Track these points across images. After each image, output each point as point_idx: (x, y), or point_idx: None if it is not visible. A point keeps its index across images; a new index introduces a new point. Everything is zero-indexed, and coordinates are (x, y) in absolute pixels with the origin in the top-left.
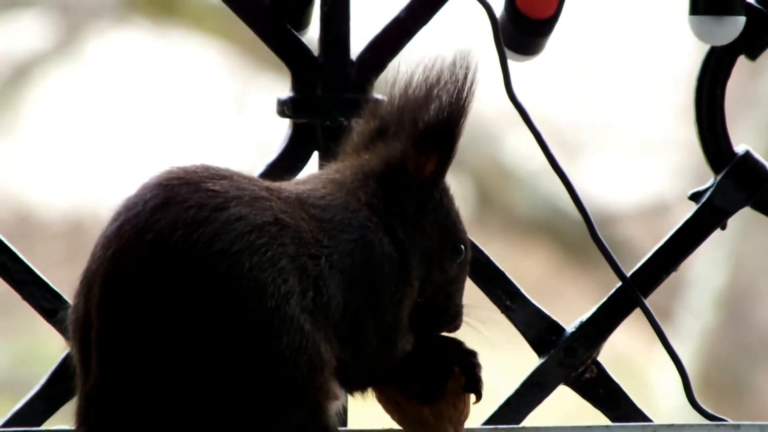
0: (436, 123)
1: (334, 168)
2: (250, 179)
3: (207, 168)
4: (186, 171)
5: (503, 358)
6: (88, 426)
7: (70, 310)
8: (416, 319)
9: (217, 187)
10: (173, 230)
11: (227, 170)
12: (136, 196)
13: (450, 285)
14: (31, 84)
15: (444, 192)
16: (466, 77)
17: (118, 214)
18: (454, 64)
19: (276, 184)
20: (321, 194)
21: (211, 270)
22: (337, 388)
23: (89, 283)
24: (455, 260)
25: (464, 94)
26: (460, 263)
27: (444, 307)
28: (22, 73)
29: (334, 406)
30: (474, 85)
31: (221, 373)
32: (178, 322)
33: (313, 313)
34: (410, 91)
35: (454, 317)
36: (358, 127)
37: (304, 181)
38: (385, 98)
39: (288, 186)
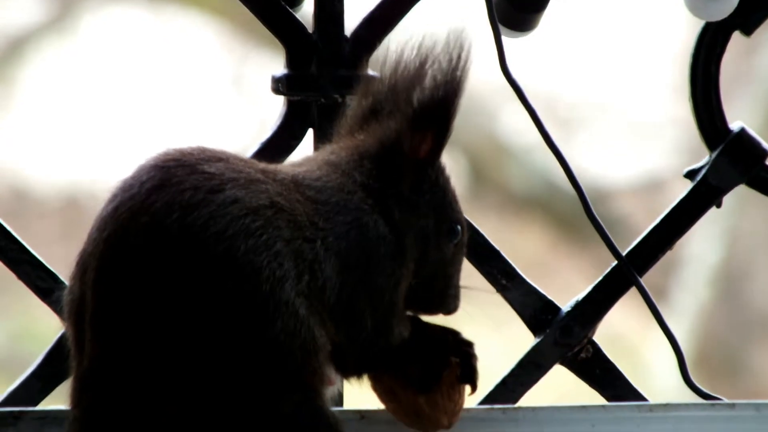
0: (431, 102)
1: (329, 149)
2: (245, 161)
3: (203, 150)
4: (182, 153)
5: (499, 337)
6: (82, 408)
7: (65, 292)
8: (415, 301)
9: (212, 170)
10: (169, 212)
11: (223, 152)
12: (133, 177)
13: (447, 266)
14: (26, 60)
15: (440, 171)
16: (460, 55)
17: (114, 196)
18: (448, 42)
19: (272, 167)
20: (316, 176)
21: (207, 253)
22: (332, 373)
23: (85, 265)
24: (451, 240)
25: (459, 73)
26: (456, 244)
27: (442, 288)
28: (16, 48)
29: (329, 391)
30: (468, 64)
31: (215, 357)
32: (173, 305)
33: (308, 297)
34: (404, 70)
35: (452, 298)
36: (352, 106)
37: (299, 163)
38: (379, 75)
39: (284, 168)
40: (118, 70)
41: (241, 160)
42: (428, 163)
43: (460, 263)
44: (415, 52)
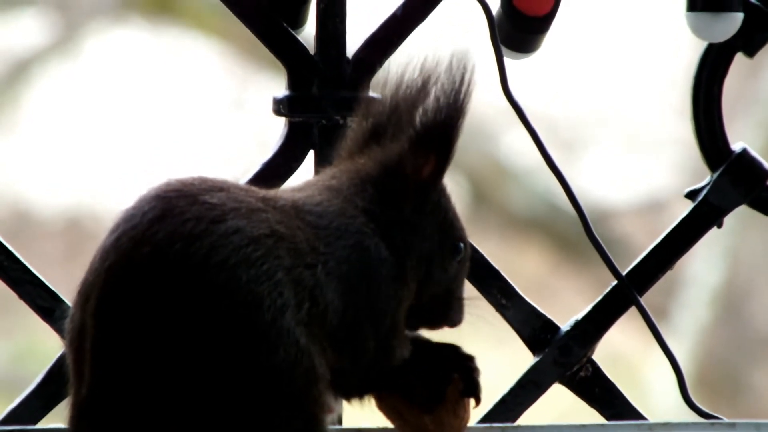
0: (433, 124)
1: (330, 174)
2: (246, 190)
3: (204, 180)
4: (183, 183)
5: (498, 356)
6: None
7: (67, 320)
8: (420, 318)
9: (214, 200)
10: (171, 243)
11: (224, 182)
12: (134, 208)
13: (451, 283)
14: (30, 81)
15: (441, 192)
16: (463, 78)
17: (117, 226)
18: (451, 64)
19: (272, 193)
20: (317, 201)
21: (209, 283)
22: (331, 401)
23: (86, 293)
24: (455, 258)
25: (462, 95)
26: (459, 261)
27: (446, 303)
28: (20, 70)
29: (329, 418)
30: (471, 86)
31: (216, 387)
32: (174, 335)
33: (309, 325)
34: (405, 91)
35: (456, 312)
36: (352, 129)
37: (300, 188)
38: (380, 97)
39: (284, 194)
40: (121, 92)
41: (242, 189)
42: (431, 184)
43: (463, 278)
44: (416, 73)
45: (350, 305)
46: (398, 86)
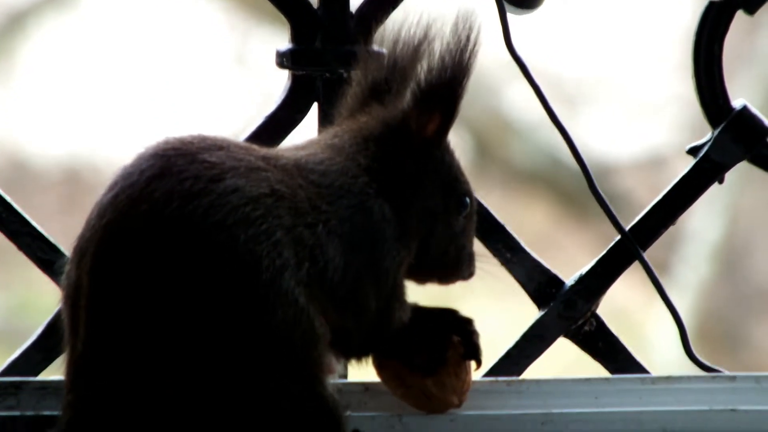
0: (438, 83)
1: (332, 132)
2: (246, 149)
3: (203, 138)
4: (182, 141)
5: (502, 310)
6: (76, 393)
7: (63, 276)
8: (432, 274)
9: (213, 159)
10: (168, 201)
11: (224, 140)
12: (132, 165)
13: (459, 237)
14: (27, 33)
15: (445, 149)
16: (469, 37)
17: (114, 183)
18: (457, 23)
19: (273, 152)
20: (319, 159)
21: (206, 242)
22: (332, 361)
23: (82, 250)
24: (461, 213)
25: (467, 54)
26: (466, 216)
27: (456, 258)
28: (17, 22)
29: (330, 378)
30: (477, 46)
31: (213, 347)
32: (170, 294)
33: (308, 285)
34: (404, 48)
35: (467, 266)
36: (352, 86)
37: (302, 147)
38: (378, 52)
39: (286, 153)
40: (119, 44)
41: (242, 147)
42: (435, 142)
43: (472, 231)
44: (414, 30)
45: (352, 264)
46: (396, 42)
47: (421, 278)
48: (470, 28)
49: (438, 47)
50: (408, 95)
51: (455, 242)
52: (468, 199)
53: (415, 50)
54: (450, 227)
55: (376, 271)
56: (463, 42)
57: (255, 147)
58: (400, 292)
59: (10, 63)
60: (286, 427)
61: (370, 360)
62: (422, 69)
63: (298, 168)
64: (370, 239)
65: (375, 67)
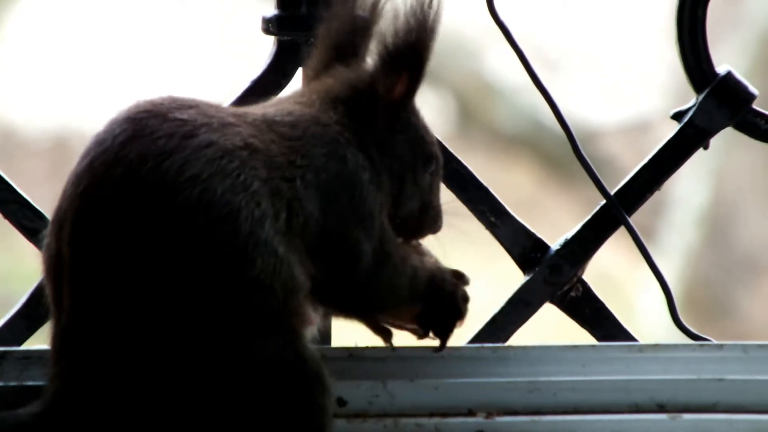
0: (405, 45)
1: (299, 92)
2: (216, 107)
3: (174, 99)
4: (153, 103)
5: (489, 275)
6: (63, 364)
7: (43, 249)
8: (401, 231)
9: (185, 116)
10: (143, 162)
11: (193, 100)
12: (105, 131)
13: (426, 194)
14: (15, 2)
15: (411, 110)
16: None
17: (88, 151)
18: None
19: (242, 110)
20: (288, 111)
21: (183, 197)
22: (311, 312)
23: (60, 220)
24: (427, 170)
25: (431, 16)
26: (432, 172)
27: (425, 213)
28: None
29: (310, 331)
30: (440, 7)
31: (195, 301)
32: (152, 253)
33: (287, 234)
34: (371, 9)
35: (434, 220)
36: (315, 48)
37: (269, 105)
38: (337, 13)
39: (254, 110)
40: (107, 12)
41: (212, 105)
42: (402, 104)
43: (438, 187)
44: None
45: (332, 213)
46: (352, 4)
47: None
48: None
49: (402, 9)
50: (374, 58)
51: (423, 198)
52: (434, 160)
53: (377, 10)
54: (417, 184)
55: (361, 214)
56: (426, 4)
57: (224, 106)
58: (390, 236)
59: None
60: (268, 376)
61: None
62: (387, 31)
63: (267, 123)
64: (348, 185)
65: (338, 27)
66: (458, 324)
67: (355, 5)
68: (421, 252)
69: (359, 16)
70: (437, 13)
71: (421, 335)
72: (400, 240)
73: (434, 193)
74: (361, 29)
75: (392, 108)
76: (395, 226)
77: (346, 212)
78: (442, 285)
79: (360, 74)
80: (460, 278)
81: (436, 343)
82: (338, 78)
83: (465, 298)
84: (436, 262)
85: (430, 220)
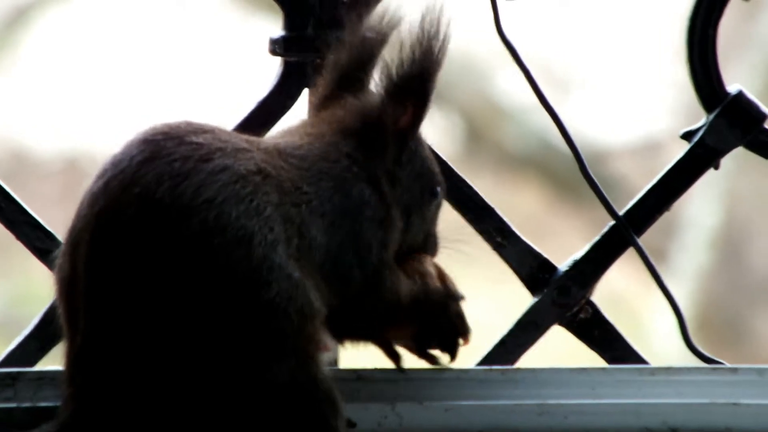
0: (410, 76)
1: (308, 123)
2: (230, 133)
3: (190, 123)
4: (170, 126)
5: (497, 297)
6: (77, 386)
7: (55, 270)
8: (400, 258)
9: (200, 140)
10: (159, 183)
11: (209, 125)
12: (122, 153)
13: (429, 224)
14: (30, 24)
15: (417, 141)
16: (438, 30)
17: (104, 171)
18: (425, 15)
19: (255, 138)
20: (298, 145)
21: (198, 220)
22: (326, 338)
23: (75, 241)
24: (433, 203)
25: (437, 47)
26: (436, 204)
27: (425, 243)
28: (21, 13)
29: (324, 357)
30: (447, 39)
31: (211, 325)
32: (167, 275)
33: (300, 259)
34: (368, 38)
35: (432, 248)
36: (322, 77)
37: (280, 135)
38: (344, 42)
39: (266, 139)
40: (119, 35)
41: (226, 131)
42: (409, 134)
43: (437, 217)
44: (378, 19)
45: (333, 239)
46: (360, 32)
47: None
48: (439, 20)
49: (408, 38)
50: (381, 88)
51: (426, 230)
52: (439, 189)
53: (382, 41)
54: (423, 216)
55: (357, 243)
56: (432, 34)
57: (238, 133)
58: (390, 265)
59: (12, 54)
60: (281, 399)
61: (368, 341)
62: (393, 62)
63: (279, 152)
64: (350, 218)
65: (347, 56)
66: (463, 340)
67: (364, 35)
68: (420, 268)
69: (367, 44)
70: (443, 44)
71: (420, 354)
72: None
73: (434, 221)
74: (368, 58)
75: (400, 138)
76: (399, 254)
77: (344, 240)
78: (431, 305)
79: (368, 105)
80: (450, 296)
81: (447, 363)
82: (347, 109)
83: (459, 315)
84: (437, 278)
85: (430, 248)
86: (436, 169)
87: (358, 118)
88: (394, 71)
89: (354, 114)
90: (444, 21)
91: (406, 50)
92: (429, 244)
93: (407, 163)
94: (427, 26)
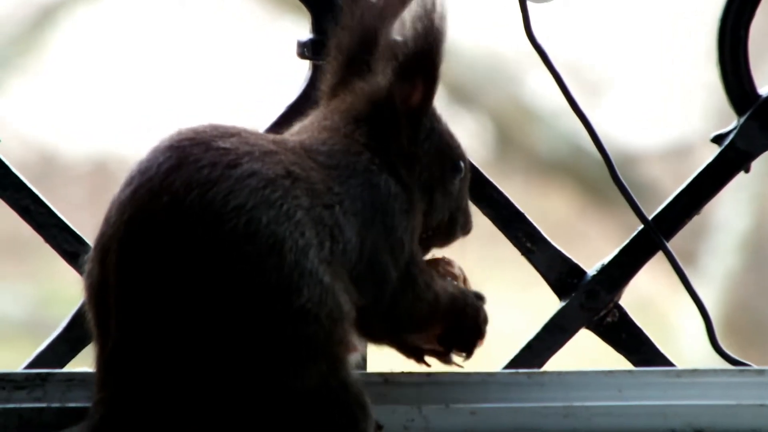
0: (415, 51)
1: (321, 115)
2: (257, 135)
3: (215, 127)
4: (195, 131)
5: (525, 301)
6: (108, 391)
7: (84, 276)
8: (433, 239)
9: (227, 145)
10: (188, 190)
11: (234, 127)
12: (148, 159)
13: (456, 199)
14: (57, 26)
15: (433, 117)
16: (435, 2)
17: (131, 179)
18: None
19: (280, 137)
20: (321, 140)
21: (229, 228)
22: (356, 339)
23: (105, 248)
24: (456, 177)
25: (436, 18)
26: (461, 178)
27: (455, 219)
28: (48, 14)
29: (353, 358)
30: (444, 9)
31: (242, 332)
32: (198, 281)
33: (332, 263)
34: (367, 19)
35: (464, 223)
36: (329, 65)
37: (300, 131)
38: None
39: (289, 137)
40: (147, 37)
41: (253, 133)
42: (421, 111)
43: (466, 190)
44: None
45: (367, 240)
46: (358, 13)
47: (423, 245)
48: None
49: (408, 16)
50: (388, 69)
51: (453, 205)
52: (462, 163)
53: (382, 18)
54: (448, 192)
55: (391, 242)
56: (430, 7)
57: (264, 134)
58: (418, 258)
59: (39, 56)
60: (312, 403)
61: (400, 339)
62: (396, 41)
63: (305, 150)
64: (381, 213)
65: (349, 41)
66: (479, 343)
67: (363, 18)
68: (449, 270)
69: (367, 24)
70: (442, 15)
71: (442, 354)
72: (430, 253)
73: (463, 196)
74: (370, 38)
75: (413, 117)
76: (426, 238)
77: (378, 239)
78: (465, 308)
79: (377, 88)
80: (480, 299)
81: (462, 364)
82: (357, 95)
83: (485, 320)
84: (462, 282)
85: (461, 225)
86: (457, 143)
87: (369, 103)
88: (398, 49)
89: (364, 99)
90: None
91: (408, 26)
92: (459, 221)
93: (424, 140)
94: (423, 2)
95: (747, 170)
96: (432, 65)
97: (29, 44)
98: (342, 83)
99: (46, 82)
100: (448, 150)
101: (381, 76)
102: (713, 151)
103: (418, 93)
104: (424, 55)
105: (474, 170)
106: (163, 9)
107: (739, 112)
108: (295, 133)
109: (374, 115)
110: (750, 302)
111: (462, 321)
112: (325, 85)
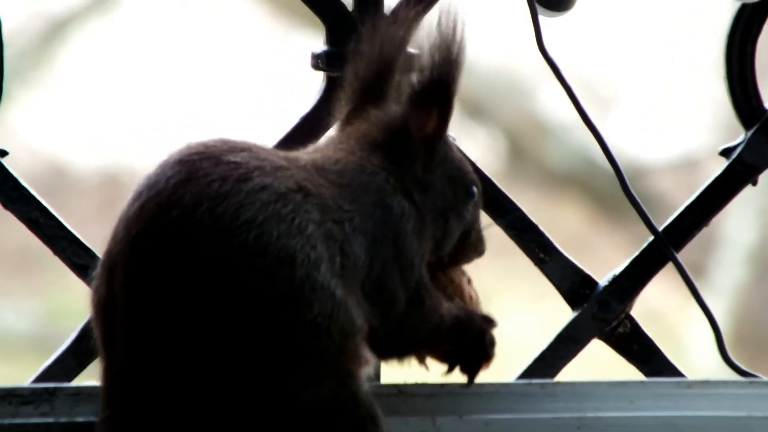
0: (431, 81)
1: (336, 139)
2: (268, 150)
3: (226, 141)
4: (205, 145)
5: (537, 312)
6: (114, 408)
7: (91, 293)
8: (450, 259)
9: (238, 159)
10: (197, 205)
11: (245, 142)
12: (157, 174)
13: (470, 224)
14: (68, 39)
15: (446, 144)
16: (454, 33)
17: (139, 194)
18: (440, 19)
19: (292, 154)
20: (334, 159)
21: (239, 242)
22: (367, 353)
23: (112, 265)
24: (470, 203)
25: (455, 50)
26: (475, 203)
27: (468, 243)
28: (59, 28)
29: (366, 371)
30: (464, 41)
31: (253, 346)
32: (209, 296)
33: (343, 277)
34: (385, 48)
35: (476, 244)
36: (345, 90)
37: (314, 151)
38: (362, 54)
39: (302, 155)
40: (158, 50)
41: (263, 149)
42: (436, 139)
43: (479, 214)
44: (394, 28)
45: (376, 259)
46: (376, 42)
47: (438, 268)
48: (454, 23)
49: (425, 44)
50: (403, 96)
51: (467, 227)
52: (475, 188)
53: (399, 48)
54: (462, 217)
55: (401, 263)
56: (449, 37)
57: (275, 150)
58: (426, 281)
59: (50, 69)
60: (323, 418)
61: (409, 359)
62: (413, 68)
63: (317, 169)
64: (393, 232)
65: (365, 68)
66: (485, 365)
67: (382, 47)
68: (460, 290)
69: (385, 53)
70: (461, 46)
71: (447, 371)
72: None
73: (476, 219)
74: (387, 67)
75: (427, 144)
76: (440, 260)
77: (388, 260)
78: (469, 331)
79: (393, 116)
80: (488, 322)
81: (463, 379)
82: (372, 122)
83: (492, 342)
84: (471, 304)
85: (474, 246)
86: (469, 168)
87: (385, 131)
88: (414, 78)
89: (379, 127)
90: (460, 23)
91: (426, 55)
92: (473, 242)
93: (438, 167)
94: (443, 30)
95: (754, 183)
96: (448, 95)
97: (40, 58)
98: (357, 110)
99: (56, 95)
100: (460, 175)
101: (396, 104)
102: (721, 165)
103: (433, 121)
104: (441, 85)
105: (488, 182)
106: (176, 19)
107: (747, 126)
108: (307, 152)
109: (389, 142)
110: (759, 315)
111: (466, 343)
112: (338, 111)
